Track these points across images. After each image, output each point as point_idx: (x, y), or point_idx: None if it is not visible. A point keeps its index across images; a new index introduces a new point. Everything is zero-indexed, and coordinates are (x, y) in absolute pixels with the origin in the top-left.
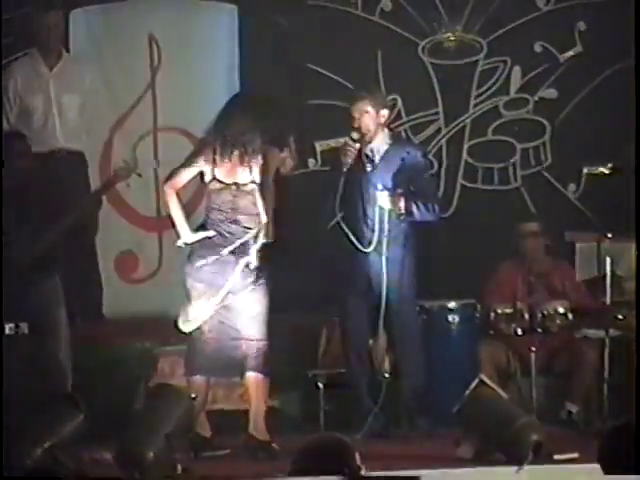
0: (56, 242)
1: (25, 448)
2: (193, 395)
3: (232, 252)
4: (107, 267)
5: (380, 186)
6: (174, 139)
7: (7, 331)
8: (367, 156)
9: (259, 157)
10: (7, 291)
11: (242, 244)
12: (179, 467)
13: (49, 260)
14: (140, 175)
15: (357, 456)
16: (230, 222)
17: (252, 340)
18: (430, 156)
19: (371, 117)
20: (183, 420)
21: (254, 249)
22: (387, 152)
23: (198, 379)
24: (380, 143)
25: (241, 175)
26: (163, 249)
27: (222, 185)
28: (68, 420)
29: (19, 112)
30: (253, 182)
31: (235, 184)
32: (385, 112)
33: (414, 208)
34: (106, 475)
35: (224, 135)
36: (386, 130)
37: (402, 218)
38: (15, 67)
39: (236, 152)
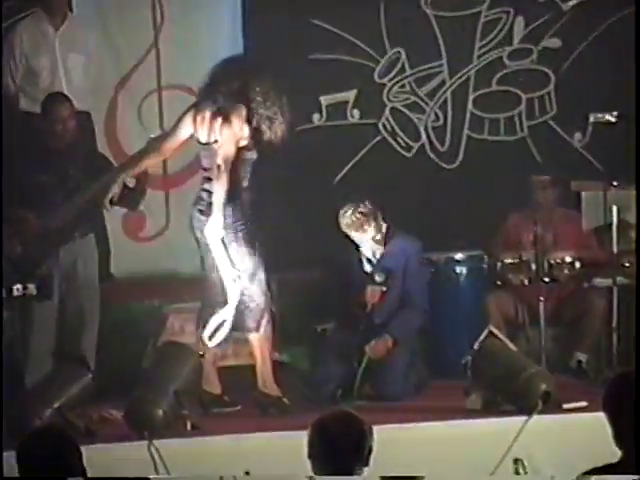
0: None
1: (35, 408)
2: (201, 352)
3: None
4: (115, 226)
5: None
6: (178, 97)
7: (15, 292)
8: (368, 259)
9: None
10: (29, 253)
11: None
12: (188, 424)
13: (81, 221)
14: None
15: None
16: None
17: (250, 300)
18: (435, 108)
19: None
20: (192, 377)
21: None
22: (385, 253)
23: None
24: (378, 246)
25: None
26: (170, 207)
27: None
28: (77, 380)
29: (25, 72)
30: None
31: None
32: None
33: (398, 323)
34: (115, 433)
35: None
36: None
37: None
38: (20, 27)
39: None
